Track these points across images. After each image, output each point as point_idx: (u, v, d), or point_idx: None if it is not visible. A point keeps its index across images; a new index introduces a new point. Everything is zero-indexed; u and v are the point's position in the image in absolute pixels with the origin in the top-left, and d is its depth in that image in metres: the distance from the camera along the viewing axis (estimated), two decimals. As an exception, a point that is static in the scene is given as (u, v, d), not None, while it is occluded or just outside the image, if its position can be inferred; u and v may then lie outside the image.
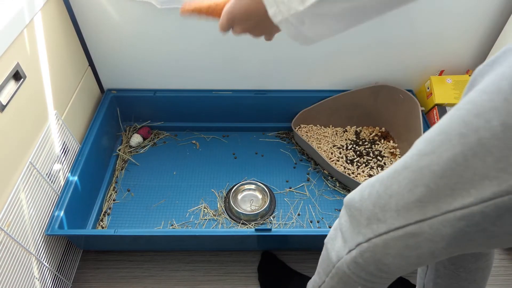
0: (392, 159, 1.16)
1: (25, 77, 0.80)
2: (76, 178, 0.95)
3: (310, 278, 0.92)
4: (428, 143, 0.41)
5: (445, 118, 0.41)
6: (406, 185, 0.42)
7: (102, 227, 1.02)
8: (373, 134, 1.24)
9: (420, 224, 0.41)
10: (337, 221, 0.58)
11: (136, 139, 1.22)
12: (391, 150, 1.18)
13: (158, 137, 1.27)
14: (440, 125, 0.40)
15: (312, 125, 1.26)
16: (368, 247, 0.48)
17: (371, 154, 1.18)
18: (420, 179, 0.40)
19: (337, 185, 1.13)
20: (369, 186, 0.48)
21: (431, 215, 0.40)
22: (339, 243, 0.54)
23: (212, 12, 0.52)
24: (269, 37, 0.50)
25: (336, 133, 1.25)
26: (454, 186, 0.38)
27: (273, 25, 0.43)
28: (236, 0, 0.46)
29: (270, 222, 1.04)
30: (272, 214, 1.06)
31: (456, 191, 0.38)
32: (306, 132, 1.24)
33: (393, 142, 1.21)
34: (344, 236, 0.53)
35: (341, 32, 0.41)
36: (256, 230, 0.86)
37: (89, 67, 1.13)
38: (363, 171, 1.13)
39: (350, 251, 0.51)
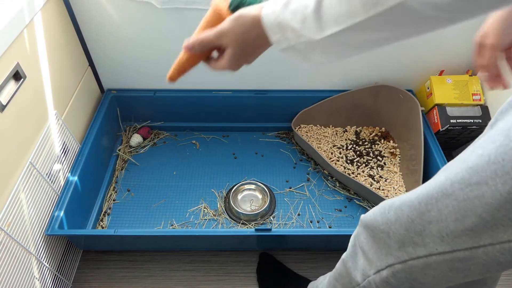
0: (392, 159, 1.16)
1: (25, 77, 0.80)
2: (76, 178, 0.95)
3: (308, 279, 0.92)
4: (474, 172, 0.38)
5: (490, 145, 0.38)
6: (450, 214, 0.40)
7: (102, 227, 1.02)
8: (373, 134, 1.24)
9: (472, 250, 0.40)
10: (353, 237, 0.57)
11: (136, 139, 1.22)
12: (391, 150, 1.18)
13: (158, 137, 1.27)
14: (488, 153, 0.38)
15: (312, 125, 1.26)
16: (403, 268, 0.47)
17: (371, 154, 1.18)
18: (471, 210, 0.38)
19: (337, 185, 1.13)
20: (393, 209, 0.47)
21: (486, 243, 0.38)
22: (362, 262, 0.54)
23: (190, 63, 0.51)
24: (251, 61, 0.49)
25: (336, 133, 1.25)
26: None
27: (262, 49, 0.42)
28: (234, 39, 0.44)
29: (270, 222, 1.04)
30: (272, 214, 1.06)
31: None
32: (306, 132, 1.24)
33: (393, 142, 1.21)
34: (367, 255, 0.52)
35: (351, 57, 0.40)
36: (256, 230, 0.86)
37: (89, 67, 1.13)
38: (363, 171, 1.13)
39: (379, 271, 0.50)
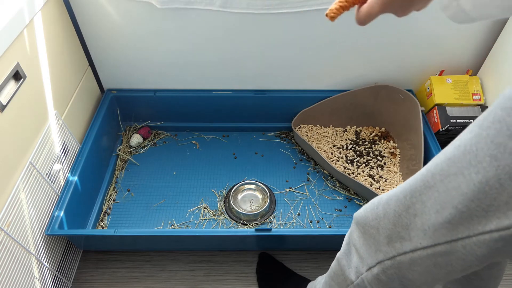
0: (392, 159, 1.16)
1: (25, 77, 0.80)
2: (76, 178, 0.95)
3: (308, 279, 0.92)
4: (451, 163, 0.39)
5: (467, 135, 0.38)
6: (432, 206, 0.40)
7: (102, 227, 1.02)
8: (373, 134, 1.24)
9: (452, 244, 0.40)
10: (347, 235, 0.58)
11: (136, 139, 1.22)
12: (391, 150, 1.18)
13: (158, 137, 1.27)
14: (464, 143, 0.38)
15: (312, 125, 1.26)
16: (392, 265, 0.47)
17: (371, 154, 1.18)
18: (448, 201, 0.39)
19: (337, 185, 1.13)
20: (382, 204, 0.47)
21: (463, 236, 0.39)
22: (355, 260, 0.54)
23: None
24: (404, 12, 0.42)
25: (336, 133, 1.25)
26: (488, 209, 0.36)
27: None
28: None
29: (270, 222, 1.04)
30: (272, 214, 1.06)
31: (490, 213, 0.36)
32: (306, 132, 1.24)
33: (393, 142, 1.21)
34: (359, 252, 0.53)
35: (499, 15, 0.33)
36: (256, 230, 0.86)
37: (89, 67, 1.13)
38: (363, 171, 1.13)
39: (370, 268, 0.51)
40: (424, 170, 0.42)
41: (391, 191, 0.47)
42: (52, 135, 0.91)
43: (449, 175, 0.39)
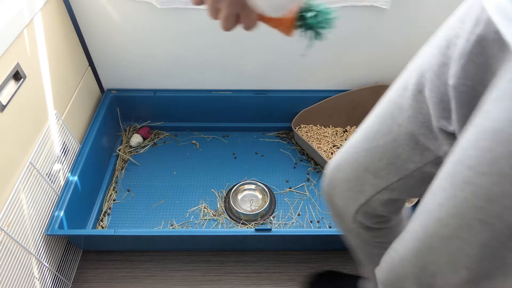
0: (392, 159, 1.16)
1: (25, 77, 0.80)
2: (76, 178, 0.95)
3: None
4: (442, 226, 0.38)
5: (448, 188, 0.36)
6: (445, 267, 0.39)
7: (102, 227, 1.02)
8: (373, 134, 1.24)
9: None
10: None
11: (136, 139, 1.22)
12: (391, 150, 1.18)
13: (158, 137, 1.27)
14: (448, 203, 0.36)
15: (312, 125, 1.26)
16: None
17: (371, 154, 1.18)
18: (459, 262, 0.37)
19: (337, 185, 1.13)
20: (399, 266, 0.46)
21: None
22: None
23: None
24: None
25: (336, 133, 1.25)
26: (504, 266, 0.35)
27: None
28: None
29: (270, 222, 1.04)
30: (272, 214, 1.06)
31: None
32: (306, 132, 1.24)
33: (393, 142, 1.21)
34: None
35: None
36: (256, 230, 0.86)
37: (89, 67, 1.13)
38: (363, 171, 1.13)
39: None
40: (417, 226, 0.41)
41: (399, 245, 0.46)
42: (52, 135, 0.91)
43: (447, 237, 0.37)
